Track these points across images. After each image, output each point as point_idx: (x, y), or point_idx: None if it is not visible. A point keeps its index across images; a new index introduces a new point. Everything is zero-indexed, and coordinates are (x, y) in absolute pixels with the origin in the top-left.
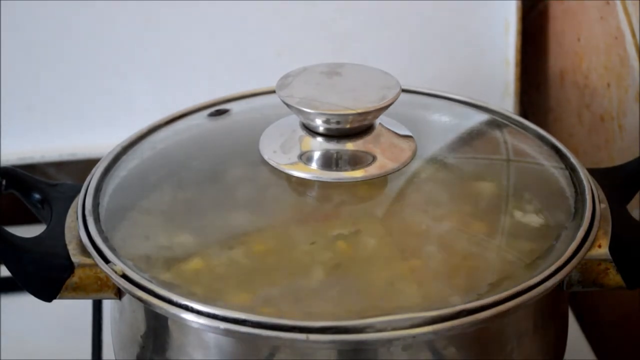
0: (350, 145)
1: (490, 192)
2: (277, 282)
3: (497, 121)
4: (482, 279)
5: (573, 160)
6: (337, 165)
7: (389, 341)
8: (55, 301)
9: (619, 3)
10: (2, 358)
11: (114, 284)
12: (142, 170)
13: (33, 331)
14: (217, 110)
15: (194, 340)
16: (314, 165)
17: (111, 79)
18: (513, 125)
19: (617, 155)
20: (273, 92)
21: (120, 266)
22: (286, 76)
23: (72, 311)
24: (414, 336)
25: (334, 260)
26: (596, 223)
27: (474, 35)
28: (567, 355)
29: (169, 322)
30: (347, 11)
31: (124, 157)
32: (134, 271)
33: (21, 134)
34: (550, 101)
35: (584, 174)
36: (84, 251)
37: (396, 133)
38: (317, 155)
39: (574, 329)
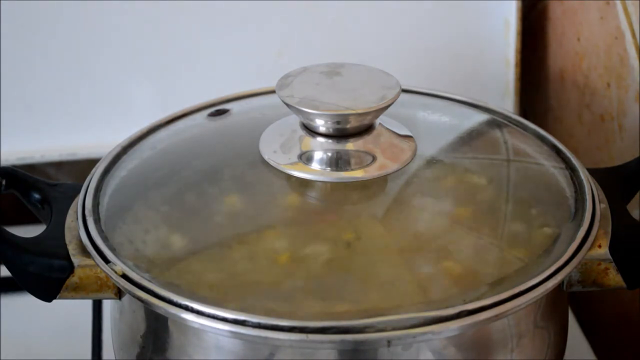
0: (350, 145)
1: (490, 192)
2: (277, 282)
3: (497, 121)
4: (482, 279)
5: (573, 160)
6: (337, 165)
7: (389, 341)
8: (55, 301)
9: (619, 3)
10: (2, 358)
11: (114, 284)
12: (142, 170)
13: (33, 331)
14: (217, 110)
15: (194, 340)
16: (314, 165)
17: (111, 78)
18: (513, 125)
19: (617, 155)
20: (273, 92)
21: (120, 266)
22: (286, 76)
23: (72, 311)
24: (414, 336)
25: (334, 261)
26: (596, 223)
27: (474, 35)
28: (567, 355)
29: (169, 322)
30: (347, 11)
31: (124, 157)
32: (134, 271)
33: (21, 134)
34: (550, 101)
35: (584, 174)
36: (84, 251)
37: (396, 133)
38: (317, 155)
39: (574, 329)
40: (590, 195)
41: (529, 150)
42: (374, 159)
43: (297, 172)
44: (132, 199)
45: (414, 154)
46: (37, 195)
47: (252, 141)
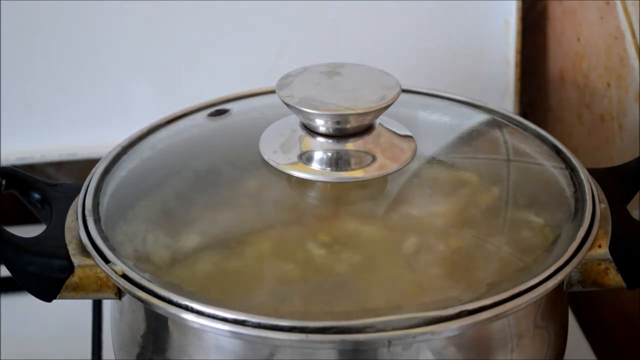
0: (350, 145)
1: (490, 192)
2: (277, 283)
3: (497, 121)
4: (482, 279)
5: (573, 160)
6: (337, 165)
7: (389, 341)
8: (55, 301)
9: (619, 3)
10: (2, 358)
11: (114, 284)
12: (142, 170)
13: (33, 331)
14: (217, 110)
15: (194, 340)
16: (314, 165)
17: (111, 78)
18: (513, 125)
19: (617, 155)
20: (273, 92)
21: (120, 266)
22: (286, 76)
23: (72, 311)
24: (414, 336)
25: (333, 260)
26: (596, 223)
27: (474, 35)
28: (567, 355)
29: (169, 322)
30: (347, 11)
31: (124, 157)
32: (134, 271)
33: (21, 134)
34: (550, 101)
35: (584, 174)
36: (84, 251)
37: (396, 133)
38: (317, 155)
39: (574, 329)
40: (590, 195)
41: (529, 150)
42: (374, 159)
43: (297, 172)
44: (132, 198)
45: (414, 154)
46: (37, 195)
47: (252, 141)
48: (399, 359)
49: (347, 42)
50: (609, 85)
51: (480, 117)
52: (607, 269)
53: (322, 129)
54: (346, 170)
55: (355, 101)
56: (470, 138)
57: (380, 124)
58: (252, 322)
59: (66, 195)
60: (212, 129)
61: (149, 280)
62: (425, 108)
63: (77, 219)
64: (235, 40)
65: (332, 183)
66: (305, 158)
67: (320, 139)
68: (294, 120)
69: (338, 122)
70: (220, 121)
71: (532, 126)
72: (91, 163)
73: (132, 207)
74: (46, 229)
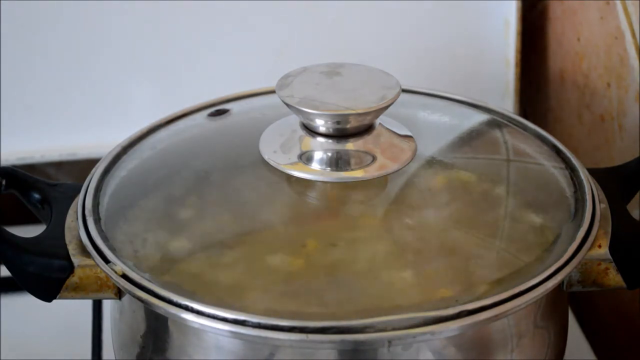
0: (350, 145)
1: (490, 192)
2: (277, 283)
3: (497, 121)
4: (482, 279)
5: (573, 160)
6: (337, 165)
7: (389, 341)
8: (55, 301)
9: (619, 3)
10: (2, 358)
11: (114, 284)
12: (142, 170)
13: (33, 331)
14: (217, 110)
15: (194, 340)
16: (314, 165)
17: (111, 78)
18: (513, 125)
19: (617, 155)
20: (273, 92)
21: (120, 266)
22: (286, 76)
23: (72, 311)
24: (414, 336)
25: (333, 261)
26: (596, 223)
27: (474, 35)
28: (567, 355)
29: (169, 322)
30: (347, 11)
31: (124, 157)
32: (134, 271)
33: (21, 134)
34: (550, 101)
35: (584, 174)
36: (84, 251)
37: (396, 133)
38: (317, 155)
39: (574, 329)
40: (590, 195)
41: (529, 150)
42: (374, 159)
43: (297, 172)
44: (132, 199)
45: (414, 154)
46: (37, 195)
47: (252, 141)
48: (399, 359)
49: (347, 42)
50: (609, 85)
51: (480, 117)
52: (607, 269)
53: (322, 129)
54: (346, 170)
55: (355, 101)
56: (470, 138)
57: (380, 124)
58: (252, 322)
59: (66, 195)
60: (212, 129)
61: (149, 280)
62: (425, 108)
63: (77, 219)
64: (235, 40)
65: (332, 183)
66: (305, 158)
67: (320, 139)
68: (294, 120)
69: (338, 122)
70: (220, 121)
71: (532, 126)
72: (91, 163)
73: (132, 207)
74: (46, 229)
